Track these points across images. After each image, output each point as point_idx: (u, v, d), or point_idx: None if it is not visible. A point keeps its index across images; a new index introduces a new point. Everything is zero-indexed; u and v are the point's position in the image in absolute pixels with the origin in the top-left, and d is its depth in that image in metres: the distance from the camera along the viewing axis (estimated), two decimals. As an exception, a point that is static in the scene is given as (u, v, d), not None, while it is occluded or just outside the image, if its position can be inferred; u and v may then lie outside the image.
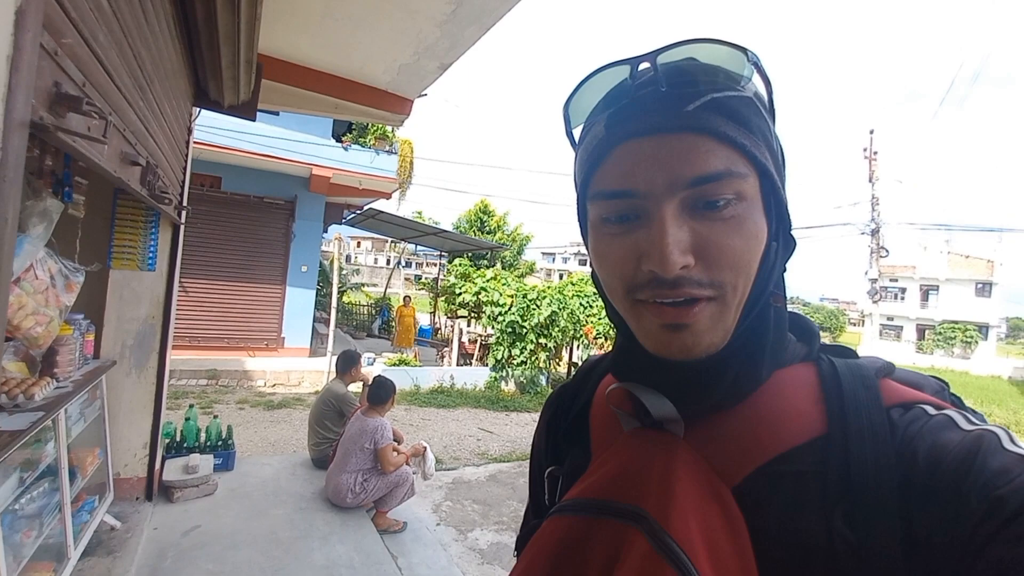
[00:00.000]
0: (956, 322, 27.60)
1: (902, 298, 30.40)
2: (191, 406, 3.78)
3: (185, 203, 3.05)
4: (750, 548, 0.37)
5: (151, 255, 2.98)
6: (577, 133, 0.46)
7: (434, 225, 12.79)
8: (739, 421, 0.42)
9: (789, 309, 0.47)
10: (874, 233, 12.73)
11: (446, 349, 10.37)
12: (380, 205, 10.58)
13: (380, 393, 3.42)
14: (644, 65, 0.40)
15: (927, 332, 28.98)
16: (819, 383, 0.42)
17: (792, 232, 0.45)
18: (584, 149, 0.43)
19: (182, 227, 3.10)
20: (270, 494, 3.36)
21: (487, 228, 18.06)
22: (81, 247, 2.39)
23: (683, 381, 0.42)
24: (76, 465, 2.44)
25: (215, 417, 3.79)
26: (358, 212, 11.05)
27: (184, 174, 3.09)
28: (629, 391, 0.47)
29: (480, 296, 9.13)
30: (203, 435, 3.65)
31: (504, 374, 8.92)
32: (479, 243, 12.83)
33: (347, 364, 4.15)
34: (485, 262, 12.49)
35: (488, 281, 9.27)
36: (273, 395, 7.21)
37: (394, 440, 3.44)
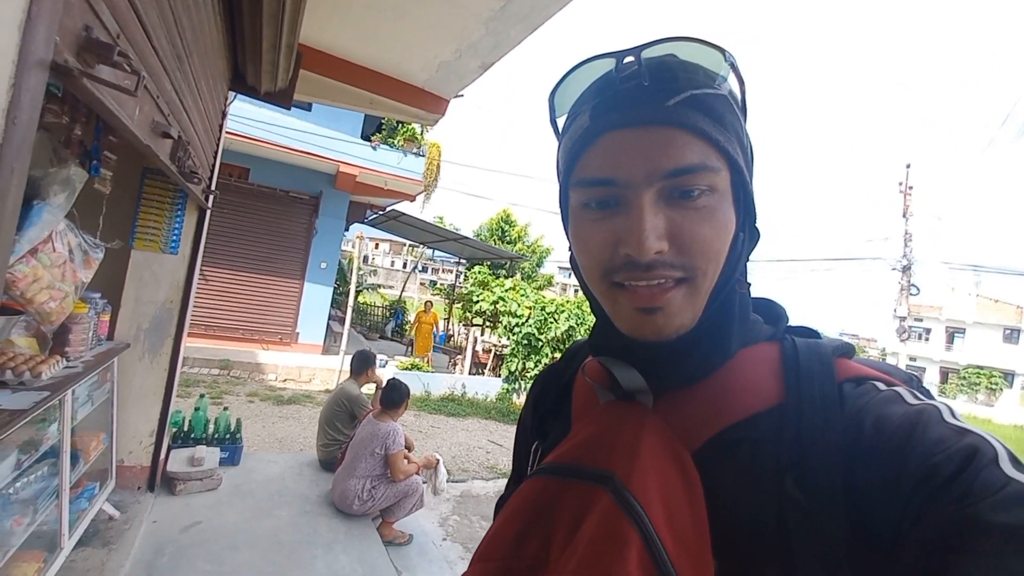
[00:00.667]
0: (981, 367, 26.73)
1: (926, 339, 29.55)
2: (202, 396, 3.68)
3: (213, 188, 2.98)
4: (704, 506, 0.39)
5: (175, 238, 2.91)
6: (561, 122, 0.48)
7: (455, 231, 12.72)
8: (703, 393, 0.44)
9: (761, 296, 0.52)
10: (905, 270, 12.35)
11: (459, 356, 10.24)
12: (403, 207, 10.55)
13: (394, 396, 3.29)
14: (629, 59, 0.42)
15: (950, 376, 28.08)
16: (780, 359, 0.44)
17: (757, 224, 0.47)
18: (569, 137, 0.45)
19: (208, 212, 3.03)
20: (275, 494, 3.23)
21: (508, 238, 17.93)
22: (104, 224, 2.32)
23: (655, 359, 0.44)
24: (79, 449, 2.34)
25: (225, 409, 3.69)
26: (380, 213, 11.04)
27: (215, 158, 3.02)
28: (605, 366, 0.49)
29: (497, 305, 8.99)
30: (211, 427, 3.55)
31: (517, 386, 8.75)
32: (499, 252, 12.73)
33: (362, 365, 4.03)
34: (504, 272, 12.35)
35: (507, 291, 9.14)
36: (284, 390, 7.13)
37: (405, 447, 3.30)
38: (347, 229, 10.50)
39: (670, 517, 0.38)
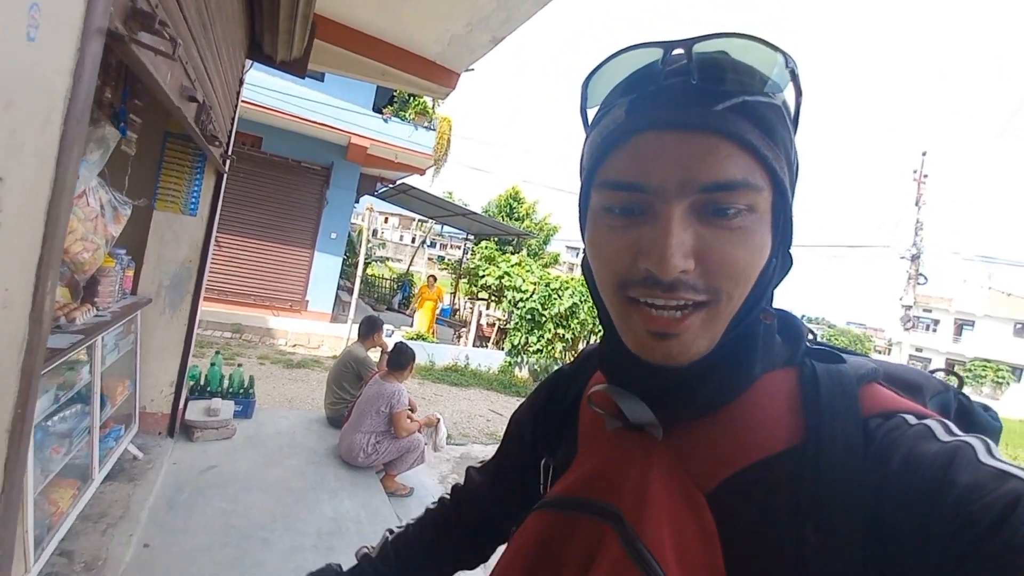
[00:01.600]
0: (989, 361, 26.64)
1: (934, 330, 29.48)
2: (217, 352, 3.88)
3: (230, 153, 3.10)
4: (720, 556, 0.37)
5: (194, 200, 3.06)
6: (591, 113, 0.44)
7: (464, 207, 12.79)
8: (718, 427, 0.42)
9: (778, 307, 0.47)
10: (914, 259, 12.30)
11: (463, 329, 10.43)
12: (413, 181, 10.63)
13: (400, 359, 3.46)
14: (677, 51, 0.38)
15: (956, 367, 28.04)
16: (799, 390, 0.42)
17: (791, 251, 0.43)
18: (599, 132, 0.41)
19: (225, 176, 3.16)
20: (285, 445, 3.44)
21: (516, 215, 17.99)
22: (129, 184, 2.46)
23: (665, 386, 0.42)
24: (107, 394, 2.52)
25: (239, 366, 3.89)
26: (390, 186, 11.12)
27: (232, 124, 3.14)
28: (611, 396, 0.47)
29: (503, 280, 9.13)
30: (226, 382, 3.75)
31: (519, 360, 8.94)
32: (507, 228, 12.79)
33: (369, 329, 4.20)
34: (511, 248, 12.45)
35: (512, 266, 9.27)
36: (293, 355, 7.37)
37: (408, 408, 3.48)
38: (357, 201, 10.61)
39: (686, 571, 0.36)
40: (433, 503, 0.75)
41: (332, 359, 7.42)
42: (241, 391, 3.74)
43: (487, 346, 9.94)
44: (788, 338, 0.46)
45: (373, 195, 11.50)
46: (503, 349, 9.16)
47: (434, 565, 0.69)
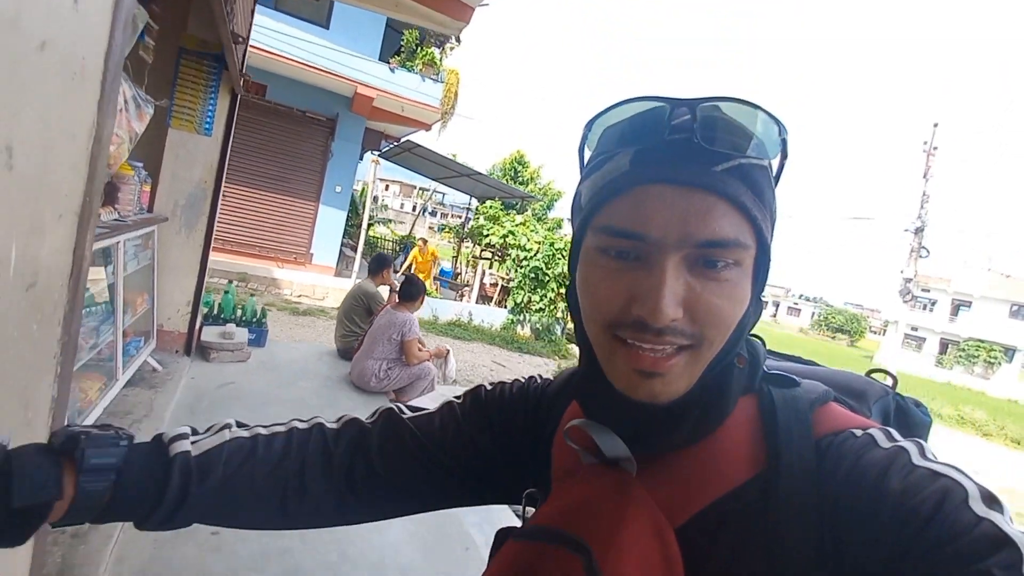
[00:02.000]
0: (983, 341, 26.90)
1: (931, 309, 29.67)
2: (230, 282, 3.92)
3: (244, 72, 3.07)
4: None
5: (208, 120, 3.04)
6: (587, 153, 0.47)
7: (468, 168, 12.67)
8: (688, 461, 0.44)
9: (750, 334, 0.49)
10: (918, 232, 12.30)
11: (466, 289, 10.48)
12: (418, 138, 10.51)
13: (412, 290, 3.50)
14: (682, 110, 0.40)
15: (950, 347, 28.35)
16: (759, 419, 0.45)
17: (762, 296, 0.46)
18: (600, 175, 0.43)
19: (239, 97, 3.14)
20: (298, 371, 3.52)
21: (520, 179, 17.86)
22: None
23: (642, 423, 0.44)
24: (128, 303, 2.57)
25: (252, 295, 3.93)
26: (395, 144, 10.99)
27: (246, 42, 3.10)
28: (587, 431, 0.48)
29: (507, 239, 9.12)
30: (239, 311, 3.80)
31: (521, 318, 9.02)
32: (511, 190, 12.70)
33: (379, 266, 4.24)
34: (515, 211, 12.40)
35: (517, 225, 9.25)
36: (299, 304, 7.43)
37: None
38: (361, 157, 10.52)
39: None
40: (303, 424, 0.59)
41: (336, 310, 7.49)
42: (254, 320, 3.80)
43: (489, 305, 10.01)
44: (748, 364, 0.47)
45: (378, 152, 11.39)
46: (506, 308, 9.23)
47: (273, 510, 0.53)
